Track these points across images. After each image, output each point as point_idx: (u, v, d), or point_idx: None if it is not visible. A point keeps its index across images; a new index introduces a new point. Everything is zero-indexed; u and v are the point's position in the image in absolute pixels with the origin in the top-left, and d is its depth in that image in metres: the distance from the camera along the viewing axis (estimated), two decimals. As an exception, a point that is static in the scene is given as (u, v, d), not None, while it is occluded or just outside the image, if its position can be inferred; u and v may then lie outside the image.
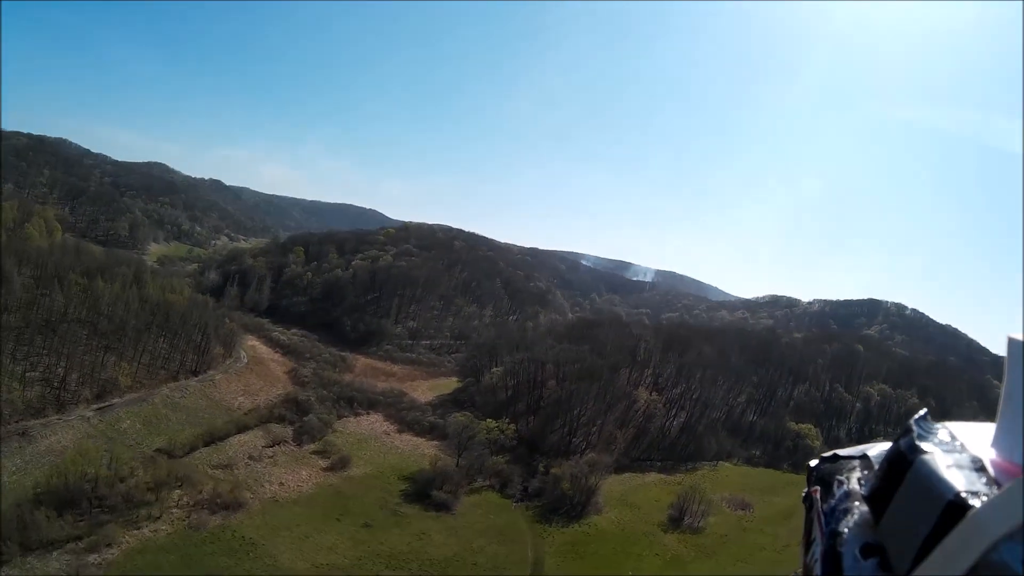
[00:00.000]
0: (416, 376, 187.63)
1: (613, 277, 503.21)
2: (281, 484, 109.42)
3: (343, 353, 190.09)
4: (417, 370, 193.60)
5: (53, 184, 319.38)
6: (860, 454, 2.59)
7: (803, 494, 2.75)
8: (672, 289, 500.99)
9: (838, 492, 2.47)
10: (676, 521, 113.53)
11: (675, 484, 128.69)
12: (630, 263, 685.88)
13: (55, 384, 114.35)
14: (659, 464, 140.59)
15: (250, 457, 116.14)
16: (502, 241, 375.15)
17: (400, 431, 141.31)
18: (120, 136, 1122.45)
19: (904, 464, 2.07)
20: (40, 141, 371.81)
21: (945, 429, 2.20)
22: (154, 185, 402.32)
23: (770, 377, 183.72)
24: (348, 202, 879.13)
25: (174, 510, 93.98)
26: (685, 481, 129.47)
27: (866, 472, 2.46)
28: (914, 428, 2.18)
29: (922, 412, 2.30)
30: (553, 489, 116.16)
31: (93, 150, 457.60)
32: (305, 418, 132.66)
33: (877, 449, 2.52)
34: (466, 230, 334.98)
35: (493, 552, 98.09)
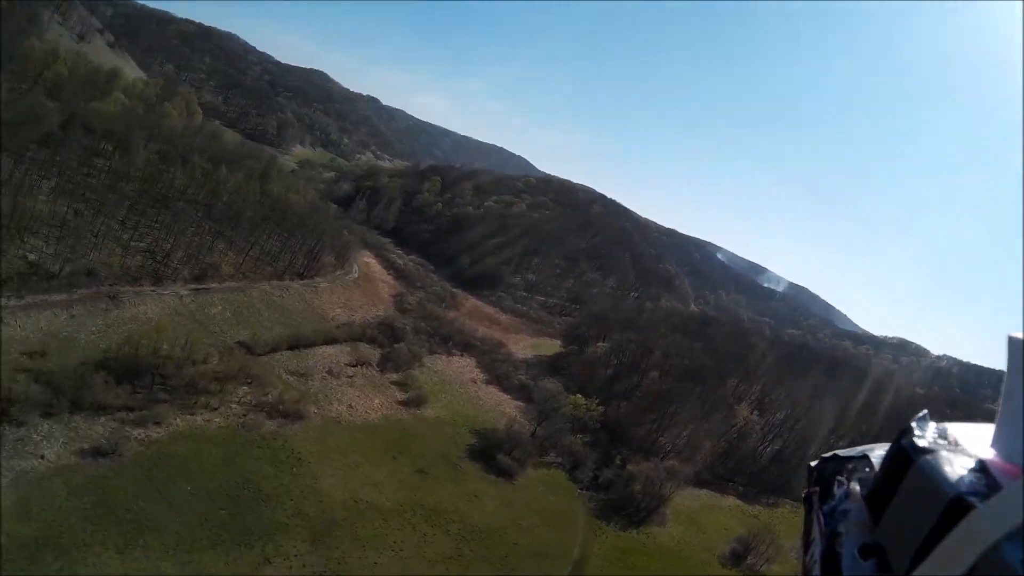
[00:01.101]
0: (521, 330, 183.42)
1: (744, 278, 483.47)
2: (350, 406, 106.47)
3: (454, 290, 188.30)
4: (524, 324, 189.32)
5: (212, 73, 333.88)
6: (860, 454, 2.60)
7: (803, 494, 2.79)
8: (800, 305, 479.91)
9: (838, 492, 2.51)
10: (738, 557, 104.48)
11: (751, 516, 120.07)
12: (764, 268, 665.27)
13: (158, 257, 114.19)
14: (740, 488, 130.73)
15: (329, 372, 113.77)
16: (642, 216, 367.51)
17: (488, 382, 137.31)
18: (289, 39, 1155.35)
19: (904, 464, 2.09)
20: (207, 31, 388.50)
21: (945, 430, 2.24)
22: (311, 91, 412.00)
23: (879, 427, 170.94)
24: (499, 144, 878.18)
25: (234, 405, 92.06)
26: (762, 516, 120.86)
27: (866, 472, 2.49)
28: (914, 428, 2.22)
29: (923, 413, 2.34)
30: (624, 486, 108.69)
31: (259, 48, 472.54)
32: (396, 345, 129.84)
33: (877, 450, 2.53)
34: (609, 196, 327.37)
35: (540, 535, 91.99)
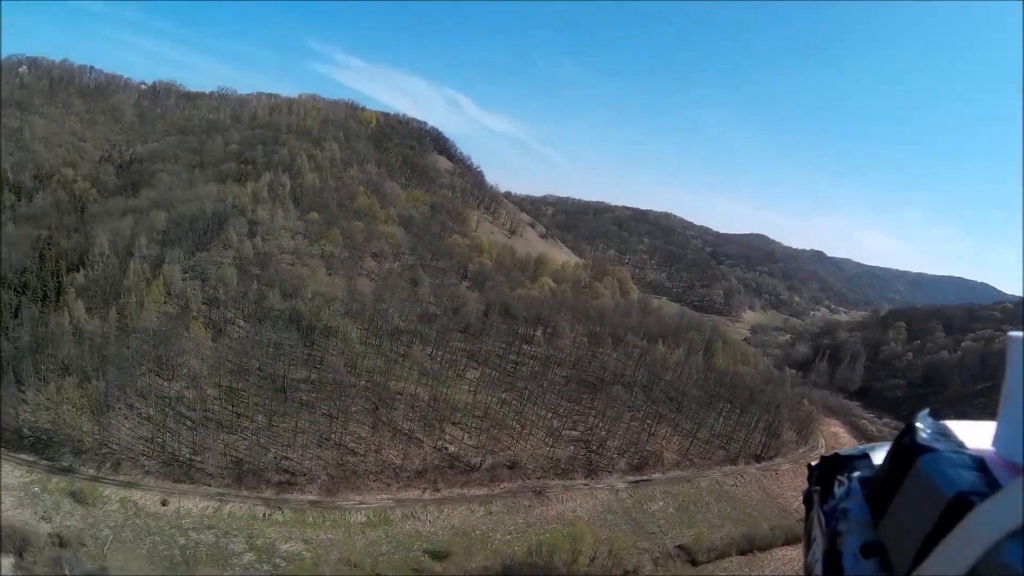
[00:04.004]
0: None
1: None
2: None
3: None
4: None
5: (652, 251, 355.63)
6: (861, 453, 2.63)
7: (803, 493, 2.81)
8: None
9: (839, 491, 2.52)
10: None
11: None
12: None
13: (591, 447, 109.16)
14: None
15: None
16: None
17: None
18: (723, 208, 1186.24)
19: (906, 462, 2.09)
20: (643, 214, 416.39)
21: (947, 428, 2.24)
22: (753, 255, 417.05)
23: None
24: (956, 274, 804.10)
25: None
26: None
27: (867, 471, 2.50)
28: (916, 426, 2.20)
29: (924, 411, 2.32)
30: None
31: (696, 222, 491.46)
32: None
33: (879, 449, 2.55)
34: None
35: None
